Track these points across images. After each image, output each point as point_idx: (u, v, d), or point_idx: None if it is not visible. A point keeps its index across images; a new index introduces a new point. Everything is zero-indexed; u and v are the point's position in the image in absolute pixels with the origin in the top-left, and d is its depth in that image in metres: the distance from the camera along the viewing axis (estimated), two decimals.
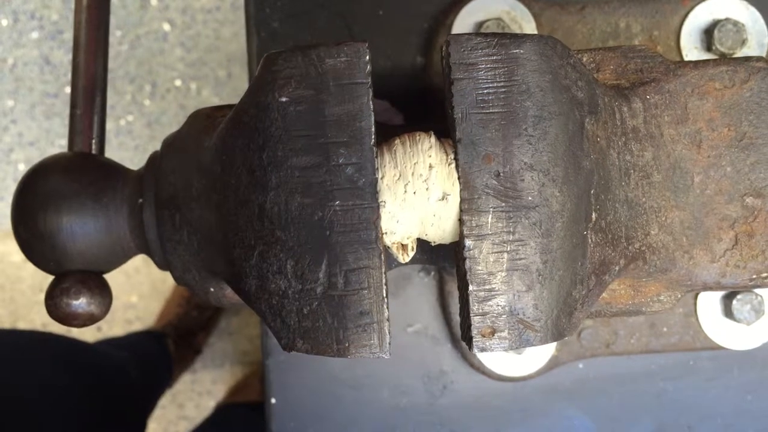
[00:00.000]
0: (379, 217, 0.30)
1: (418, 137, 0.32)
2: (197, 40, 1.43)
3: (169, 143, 0.38)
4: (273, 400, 0.50)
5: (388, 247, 0.32)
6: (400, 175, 0.31)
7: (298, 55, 0.30)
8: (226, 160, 0.33)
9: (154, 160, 0.38)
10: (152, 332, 1.31)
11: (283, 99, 0.30)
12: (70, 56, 1.42)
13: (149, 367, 1.15)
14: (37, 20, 1.44)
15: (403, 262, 0.32)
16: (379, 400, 0.50)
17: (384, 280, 0.30)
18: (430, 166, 0.31)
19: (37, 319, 1.45)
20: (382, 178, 0.31)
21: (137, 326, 1.44)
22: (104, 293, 0.38)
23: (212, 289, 0.38)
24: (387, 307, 0.30)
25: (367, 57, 0.30)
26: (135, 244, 0.38)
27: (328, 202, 0.30)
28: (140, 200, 0.37)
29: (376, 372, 0.50)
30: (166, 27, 1.43)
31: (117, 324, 1.45)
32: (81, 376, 0.82)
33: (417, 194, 0.31)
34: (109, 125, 1.43)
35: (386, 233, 0.31)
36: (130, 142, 1.44)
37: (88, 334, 1.44)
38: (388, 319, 0.30)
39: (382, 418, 0.50)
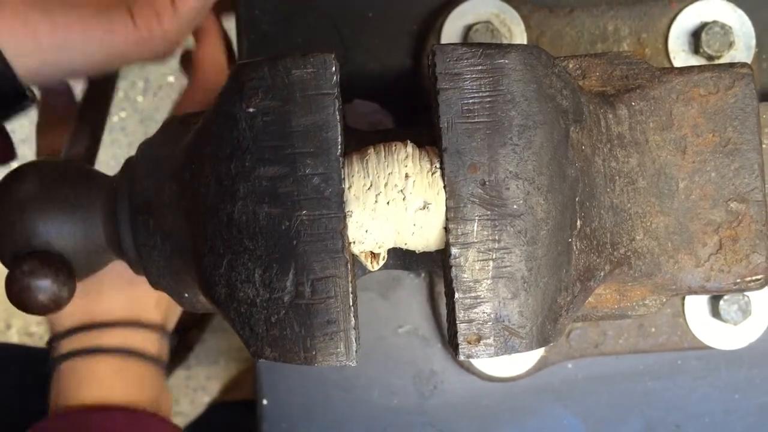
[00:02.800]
0: (345, 226, 0.30)
1: (394, 147, 0.32)
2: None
3: (144, 148, 0.38)
4: (264, 401, 0.51)
5: (356, 256, 0.32)
6: (371, 185, 0.31)
7: (264, 65, 0.31)
8: (195, 168, 0.33)
9: (129, 164, 0.38)
10: None
11: (250, 110, 0.31)
12: None
13: None
14: None
15: (372, 270, 0.33)
16: (369, 400, 0.51)
17: (350, 289, 0.30)
18: (407, 176, 0.31)
19: (31, 317, 1.45)
20: (349, 188, 0.31)
21: None
22: (68, 273, 0.37)
23: (186, 294, 0.38)
24: (354, 316, 0.31)
25: (334, 68, 0.30)
26: (112, 248, 0.38)
27: (295, 212, 0.30)
28: (115, 205, 0.37)
29: (366, 373, 0.51)
30: None
31: None
32: None
33: (391, 204, 0.31)
34: None
35: (354, 242, 0.31)
36: (123, 139, 1.43)
37: None
38: (355, 328, 0.31)
39: (372, 418, 0.51)
